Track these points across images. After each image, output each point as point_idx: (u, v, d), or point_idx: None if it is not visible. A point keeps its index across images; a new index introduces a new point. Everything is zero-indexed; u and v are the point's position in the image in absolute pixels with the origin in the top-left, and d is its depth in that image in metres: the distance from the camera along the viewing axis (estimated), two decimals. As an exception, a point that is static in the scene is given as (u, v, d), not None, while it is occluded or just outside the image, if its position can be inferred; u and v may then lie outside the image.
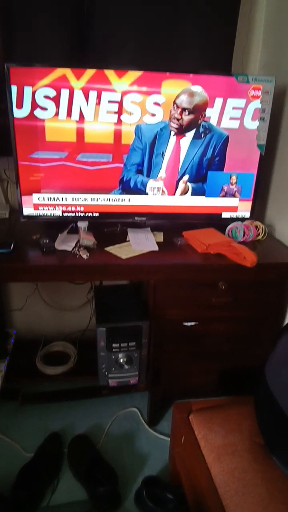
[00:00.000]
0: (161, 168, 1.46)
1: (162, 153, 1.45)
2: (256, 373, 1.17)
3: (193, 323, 1.41)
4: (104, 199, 1.47)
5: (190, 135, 1.43)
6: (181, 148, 1.45)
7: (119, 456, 1.50)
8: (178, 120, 1.39)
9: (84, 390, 1.63)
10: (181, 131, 1.42)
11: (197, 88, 1.37)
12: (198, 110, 1.39)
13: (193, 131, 1.42)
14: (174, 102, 1.38)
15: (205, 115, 1.40)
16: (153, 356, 1.48)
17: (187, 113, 1.39)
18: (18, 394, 1.59)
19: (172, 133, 1.42)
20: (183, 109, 1.38)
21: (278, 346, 1.12)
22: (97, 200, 1.47)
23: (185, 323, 1.41)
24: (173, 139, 1.43)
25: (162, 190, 1.48)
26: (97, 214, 1.49)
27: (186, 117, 1.39)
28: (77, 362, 1.68)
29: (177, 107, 1.38)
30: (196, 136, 1.43)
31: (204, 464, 1.05)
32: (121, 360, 1.51)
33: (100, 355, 1.51)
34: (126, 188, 1.46)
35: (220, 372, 1.53)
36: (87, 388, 1.63)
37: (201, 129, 1.42)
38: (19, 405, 1.57)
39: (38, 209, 1.45)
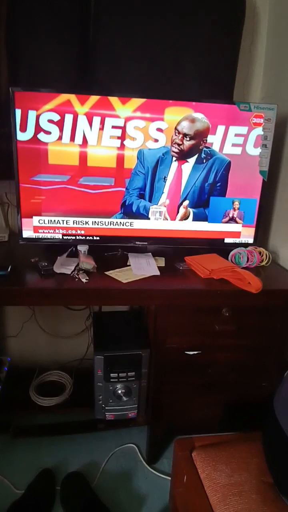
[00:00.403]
0: (163, 192, 1.45)
1: (164, 178, 1.44)
2: (264, 407, 1.10)
3: (195, 352, 1.35)
4: (105, 223, 1.45)
5: (192, 160, 1.43)
6: (182, 173, 1.45)
7: (116, 496, 1.39)
8: (179, 145, 1.40)
9: (80, 423, 1.55)
10: (182, 157, 1.42)
11: (198, 115, 1.38)
12: (199, 136, 1.40)
13: (195, 157, 1.43)
14: (176, 128, 1.39)
15: (206, 141, 1.41)
16: (153, 387, 1.41)
17: (188, 138, 1.40)
18: (10, 426, 1.50)
19: (174, 158, 1.42)
20: (184, 135, 1.39)
21: (286, 379, 1.06)
22: (98, 224, 1.45)
23: (187, 352, 1.35)
24: (175, 164, 1.43)
25: (165, 215, 1.47)
26: (98, 238, 1.46)
27: (187, 143, 1.40)
28: (72, 393, 1.60)
29: (179, 132, 1.39)
30: (198, 162, 1.43)
31: (208, 506, 0.96)
32: (119, 392, 1.44)
33: (97, 386, 1.44)
34: (128, 212, 1.45)
35: (224, 405, 1.45)
36: (83, 422, 1.55)
37: (203, 155, 1.43)
38: (11, 438, 1.48)
39: (38, 232, 1.43)
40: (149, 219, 1.47)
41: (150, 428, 1.50)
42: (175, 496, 1.19)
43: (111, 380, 1.42)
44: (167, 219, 1.47)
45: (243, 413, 1.46)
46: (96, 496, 1.33)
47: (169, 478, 1.38)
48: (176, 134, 1.39)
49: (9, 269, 1.24)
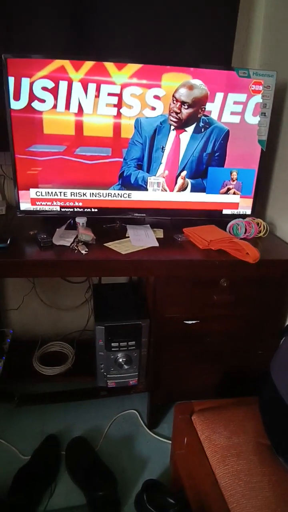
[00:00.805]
0: (161, 163, 1.43)
1: (162, 148, 1.42)
2: (260, 373, 1.13)
3: (194, 322, 1.38)
4: (103, 195, 1.44)
5: (190, 129, 1.40)
6: (181, 143, 1.42)
7: (118, 459, 1.45)
8: (177, 114, 1.37)
9: (82, 391, 1.59)
10: (180, 126, 1.39)
11: (197, 81, 1.34)
12: (198, 104, 1.37)
13: (193, 126, 1.40)
14: (173, 96, 1.35)
15: (204, 109, 1.38)
16: (153, 355, 1.44)
17: (186, 106, 1.36)
18: (14, 396, 1.54)
19: (172, 127, 1.39)
20: (182, 103, 1.36)
21: (282, 345, 1.09)
22: (96, 196, 1.43)
23: (186, 322, 1.37)
24: (173, 133, 1.40)
25: (163, 187, 1.45)
26: (96, 210, 1.45)
27: (185, 111, 1.37)
28: (75, 363, 1.63)
29: (176, 100, 1.36)
30: (196, 131, 1.41)
31: (208, 466, 1.01)
32: (120, 360, 1.47)
33: (98, 355, 1.47)
34: (126, 183, 1.43)
35: (221, 372, 1.49)
36: (85, 390, 1.59)
37: (201, 123, 1.40)
38: (16, 407, 1.53)
39: (36, 204, 1.42)
40: (147, 190, 1.45)
41: (150, 394, 1.54)
42: (176, 458, 1.25)
43: (112, 349, 1.45)
44: (166, 190, 1.46)
45: (240, 380, 1.51)
46: (100, 460, 1.39)
47: (169, 442, 1.44)
48: (174, 102, 1.36)
49: (8, 242, 1.24)
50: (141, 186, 1.44)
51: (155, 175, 1.44)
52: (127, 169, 1.42)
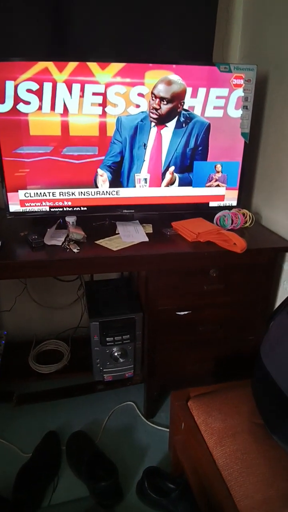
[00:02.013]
0: (144, 160, 1.46)
1: (144, 145, 1.44)
2: (251, 358, 1.18)
3: (186, 312, 1.42)
4: (91, 193, 1.46)
5: (171, 125, 1.43)
6: (162, 139, 1.45)
7: (119, 450, 1.49)
8: (156, 110, 1.39)
9: (79, 387, 1.62)
10: (161, 121, 1.42)
11: (174, 77, 1.37)
12: (177, 99, 1.39)
13: (174, 121, 1.43)
14: (152, 92, 1.38)
15: (184, 103, 1.41)
16: (147, 347, 1.48)
17: (165, 102, 1.39)
18: (12, 395, 1.56)
19: (153, 124, 1.42)
20: (161, 99, 1.38)
21: (271, 327, 1.13)
22: (84, 194, 1.46)
23: (178, 313, 1.41)
24: (154, 129, 1.43)
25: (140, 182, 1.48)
26: (85, 208, 1.48)
27: (165, 106, 1.39)
28: (70, 360, 1.66)
29: (155, 97, 1.38)
30: (178, 126, 1.44)
31: (205, 449, 1.06)
32: (116, 354, 1.51)
33: (94, 350, 1.50)
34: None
35: (215, 359, 1.54)
36: (82, 385, 1.62)
37: (182, 118, 1.43)
38: (14, 406, 1.55)
39: (25, 206, 1.43)
40: (123, 187, 1.48)
41: (146, 385, 1.58)
42: (174, 443, 1.29)
43: (107, 344, 1.49)
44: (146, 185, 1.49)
45: (232, 366, 1.56)
46: (100, 451, 1.42)
47: (167, 430, 1.47)
48: (153, 98, 1.38)
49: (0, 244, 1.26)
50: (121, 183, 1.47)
51: (139, 173, 1.47)
52: (103, 167, 1.44)
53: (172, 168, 1.47)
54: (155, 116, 1.40)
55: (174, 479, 1.28)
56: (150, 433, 1.57)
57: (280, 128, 1.44)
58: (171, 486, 1.26)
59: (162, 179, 1.49)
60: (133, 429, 1.59)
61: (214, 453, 1.03)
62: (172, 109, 1.40)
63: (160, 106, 1.39)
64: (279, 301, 1.51)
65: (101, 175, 1.42)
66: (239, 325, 1.50)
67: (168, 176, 1.48)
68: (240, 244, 1.29)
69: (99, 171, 1.42)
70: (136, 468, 1.42)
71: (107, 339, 1.48)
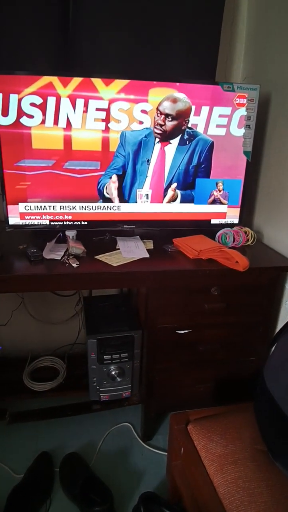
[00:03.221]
0: (147, 176, 1.45)
1: (148, 161, 1.44)
2: (253, 380, 1.15)
3: (186, 331, 1.39)
4: (92, 207, 1.45)
5: (175, 142, 1.43)
6: (166, 155, 1.45)
7: (114, 473, 1.43)
8: (161, 126, 1.40)
9: (75, 406, 1.57)
10: (165, 138, 1.42)
11: (180, 95, 1.38)
12: (181, 116, 1.40)
13: (178, 138, 1.43)
14: (157, 109, 1.38)
15: (188, 121, 1.41)
16: (146, 367, 1.44)
17: (170, 119, 1.39)
18: (5, 413, 1.51)
19: (157, 140, 1.42)
20: (166, 115, 1.39)
21: (275, 350, 1.11)
22: (85, 209, 1.44)
23: (178, 331, 1.38)
24: (158, 146, 1.43)
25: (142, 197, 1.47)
26: (86, 223, 1.46)
27: (170, 123, 1.40)
28: (66, 377, 1.62)
29: (160, 113, 1.39)
30: (181, 143, 1.44)
31: (206, 475, 1.01)
32: (113, 373, 1.47)
33: (91, 368, 1.46)
34: (104, 196, 1.45)
35: (215, 380, 1.50)
36: (78, 404, 1.57)
37: (185, 136, 1.43)
38: (7, 424, 1.49)
39: (25, 219, 1.41)
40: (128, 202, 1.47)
41: (144, 406, 1.54)
42: (173, 469, 1.24)
43: (105, 362, 1.45)
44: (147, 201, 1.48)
45: (233, 387, 1.52)
46: (95, 475, 1.37)
47: (165, 454, 1.43)
48: (158, 115, 1.39)
49: (-2, 257, 1.23)
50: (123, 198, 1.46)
51: (141, 188, 1.46)
52: (105, 179, 1.43)
53: (174, 185, 1.47)
54: (159, 132, 1.41)
55: (171, 506, 1.22)
56: (147, 457, 1.52)
57: (282, 147, 1.45)
58: (168, 513, 1.21)
59: (164, 195, 1.48)
60: (129, 451, 1.54)
61: (214, 480, 0.99)
62: (176, 126, 1.40)
63: (165, 122, 1.39)
64: (280, 321, 1.48)
65: (113, 182, 1.41)
66: (240, 346, 1.47)
67: (170, 192, 1.48)
68: (243, 262, 1.27)
69: (113, 177, 1.41)
70: (132, 493, 1.36)
71: (104, 357, 1.45)
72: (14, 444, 1.53)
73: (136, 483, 1.41)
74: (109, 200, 1.45)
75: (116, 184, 1.42)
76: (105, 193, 1.42)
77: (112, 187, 1.42)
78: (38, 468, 1.40)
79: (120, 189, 1.44)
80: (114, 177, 1.41)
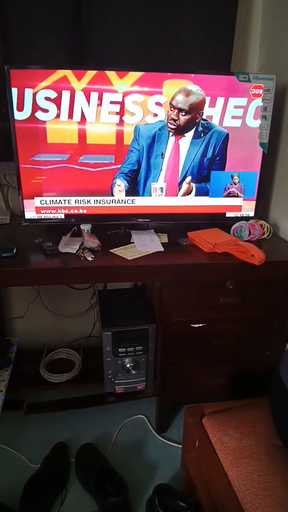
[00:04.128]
0: (161, 169, 1.44)
1: (162, 154, 1.43)
2: (268, 374, 1.14)
3: (200, 325, 1.38)
4: (107, 201, 1.45)
5: (189, 135, 1.42)
6: (180, 148, 1.43)
7: (128, 465, 1.45)
8: (175, 121, 1.38)
9: (90, 398, 1.59)
10: (179, 132, 1.41)
11: (193, 87, 1.36)
12: (195, 110, 1.38)
13: (192, 131, 1.41)
14: (170, 103, 1.37)
15: (202, 113, 1.39)
16: (160, 360, 1.45)
17: (183, 113, 1.38)
18: (22, 404, 1.54)
19: (171, 133, 1.41)
20: (180, 110, 1.37)
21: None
22: (100, 202, 1.45)
23: (193, 325, 1.38)
24: (172, 139, 1.42)
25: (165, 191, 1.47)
26: (100, 217, 1.46)
27: (183, 117, 1.38)
28: (81, 369, 1.64)
29: (174, 108, 1.37)
30: (196, 136, 1.42)
31: (220, 468, 1.02)
32: (128, 365, 1.48)
33: (106, 361, 1.48)
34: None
35: (229, 375, 1.50)
36: (93, 396, 1.59)
37: (200, 128, 1.41)
38: (24, 415, 1.53)
39: (40, 213, 1.43)
40: (139, 196, 1.47)
41: (158, 399, 1.55)
42: (187, 461, 1.24)
43: (120, 354, 1.46)
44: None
45: (248, 382, 1.51)
46: (110, 466, 1.38)
47: (179, 446, 1.44)
48: (172, 109, 1.38)
49: (14, 251, 1.25)
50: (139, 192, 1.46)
51: (155, 181, 1.45)
52: (119, 176, 1.43)
53: (189, 178, 1.46)
54: (173, 127, 1.39)
55: (186, 498, 1.23)
56: (161, 449, 1.53)
57: (300, 139, 1.42)
58: (182, 505, 1.21)
59: (179, 189, 1.47)
60: (143, 443, 1.55)
61: (229, 473, 0.99)
62: (190, 120, 1.39)
63: (178, 117, 1.38)
64: (297, 315, 1.46)
65: (118, 185, 1.42)
66: (255, 340, 1.46)
67: (185, 186, 1.46)
68: (259, 256, 1.26)
69: (117, 181, 1.41)
70: (146, 484, 1.38)
71: (119, 349, 1.46)
72: (31, 435, 1.56)
73: (151, 475, 1.42)
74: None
75: (122, 187, 1.42)
76: (113, 192, 1.43)
77: (116, 189, 1.42)
78: (54, 459, 1.43)
79: (135, 183, 1.44)
80: (119, 181, 1.41)
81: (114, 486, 1.29)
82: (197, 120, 1.40)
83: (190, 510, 1.17)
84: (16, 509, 1.22)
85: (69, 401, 1.59)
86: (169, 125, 1.39)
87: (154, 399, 1.59)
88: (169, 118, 1.38)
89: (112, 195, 1.44)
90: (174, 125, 1.39)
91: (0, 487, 1.34)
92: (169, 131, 1.40)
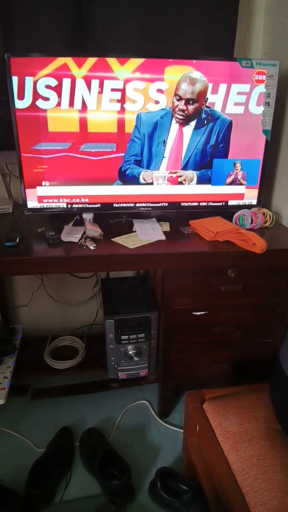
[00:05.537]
0: (163, 157, 1.44)
1: (164, 142, 1.42)
2: (269, 361, 1.15)
3: (202, 312, 1.40)
4: (109, 190, 1.45)
5: (193, 122, 1.41)
6: (183, 136, 1.42)
7: (131, 449, 1.48)
8: (183, 111, 1.37)
9: (94, 383, 1.62)
10: (187, 121, 1.40)
11: (197, 74, 1.34)
12: (201, 97, 1.37)
13: (196, 118, 1.40)
14: (176, 94, 1.35)
15: (207, 99, 1.38)
16: (162, 347, 1.47)
17: (191, 102, 1.36)
18: (28, 390, 1.57)
19: (174, 121, 1.39)
20: (187, 100, 1.36)
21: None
22: (102, 191, 1.45)
23: (195, 313, 1.39)
24: (175, 127, 1.40)
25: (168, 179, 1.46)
26: (102, 205, 1.46)
27: (191, 107, 1.37)
28: (85, 356, 1.67)
29: (181, 98, 1.36)
30: (199, 123, 1.41)
31: (220, 452, 1.04)
32: (131, 352, 1.50)
33: (109, 348, 1.50)
34: (125, 179, 1.44)
35: (231, 361, 1.52)
36: (97, 382, 1.62)
37: (203, 115, 1.40)
38: (29, 401, 1.56)
39: (43, 202, 1.43)
40: (143, 184, 1.46)
41: (160, 385, 1.57)
42: (188, 445, 1.27)
43: (122, 342, 1.48)
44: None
45: (249, 368, 1.53)
46: (113, 449, 1.42)
47: (181, 431, 1.47)
48: (178, 99, 1.36)
49: (17, 240, 1.26)
50: (138, 181, 1.45)
51: (157, 170, 1.45)
52: (125, 165, 1.42)
53: (181, 178, 1.45)
54: (181, 117, 1.38)
55: (187, 481, 1.26)
56: (164, 433, 1.56)
57: (303, 125, 1.40)
58: (184, 488, 1.25)
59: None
60: (146, 428, 1.58)
61: (229, 457, 1.01)
62: (197, 108, 1.37)
63: (187, 107, 1.36)
64: (298, 303, 1.47)
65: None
66: (256, 328, 1.47)
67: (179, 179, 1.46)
68: (260, 244, 1.26)
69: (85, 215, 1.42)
70: (149, 468, 1.41)
71: (122, 337, 1.48)
72: (36, 419, 1.60)
73: (153, 458, 1.45)
74: (126, 182, 1.45)
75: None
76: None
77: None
78: (59, 443, 1.46)
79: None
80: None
81: (117, 469, 1.32)
82: (202, 107, 1.39)
83: (191, 492, 1.20)
84: (22, 493, 1.26)
85: (73, 387, 1.62)
86: (177, 116, 1.37)
87: (157, 385, 1.61)
88: (176, 109, 1.37)
89: (123, 178, 1.44)
90: (183, 115, 1.37)
91: (6, 471, 1.37)
92: (177, 121, 1.39)
